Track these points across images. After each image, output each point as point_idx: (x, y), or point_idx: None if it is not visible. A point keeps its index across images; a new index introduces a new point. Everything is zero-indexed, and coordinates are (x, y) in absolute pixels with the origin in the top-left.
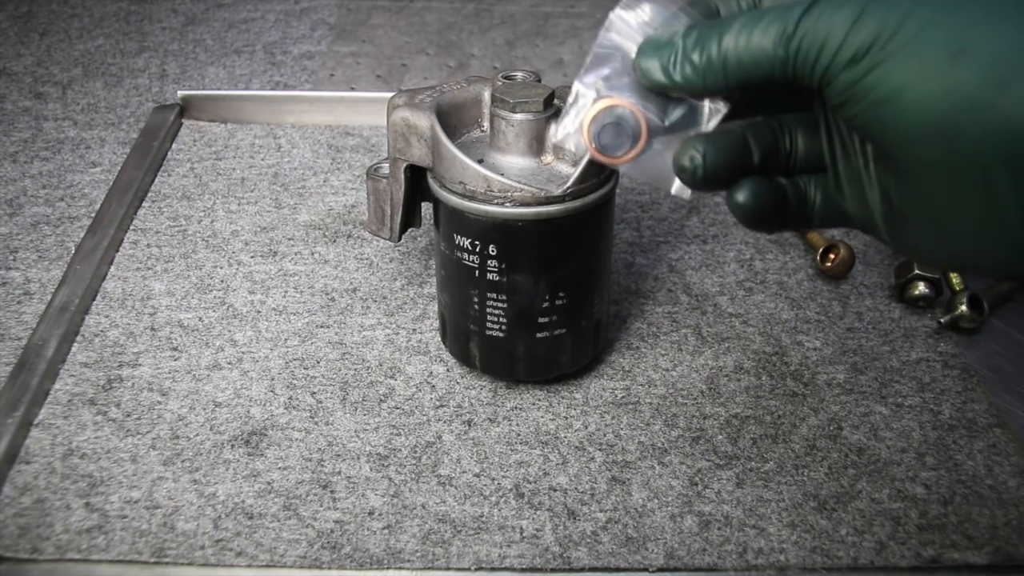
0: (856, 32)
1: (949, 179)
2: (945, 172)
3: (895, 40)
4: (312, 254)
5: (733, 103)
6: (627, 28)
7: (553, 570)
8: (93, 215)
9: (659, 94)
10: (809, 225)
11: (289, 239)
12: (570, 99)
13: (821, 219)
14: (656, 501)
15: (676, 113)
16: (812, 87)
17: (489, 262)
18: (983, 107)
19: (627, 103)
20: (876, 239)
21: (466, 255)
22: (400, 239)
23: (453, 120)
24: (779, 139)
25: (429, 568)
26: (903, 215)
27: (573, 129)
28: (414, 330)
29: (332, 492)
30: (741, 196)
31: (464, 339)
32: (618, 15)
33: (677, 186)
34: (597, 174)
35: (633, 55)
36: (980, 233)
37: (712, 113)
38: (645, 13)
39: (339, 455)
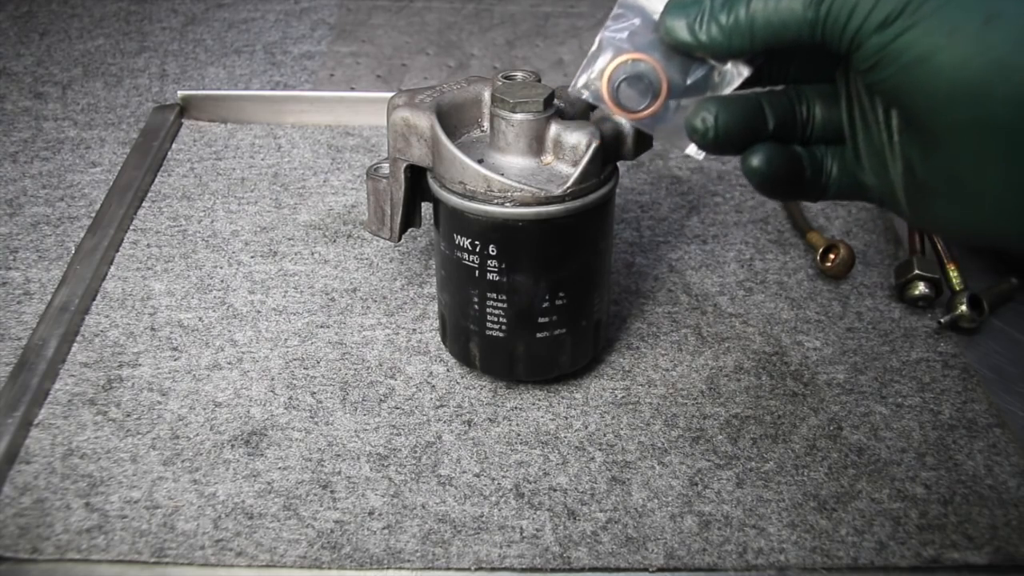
0: None
1: (978, 144)
2: (974, 136)
3: (928, 3)
4: (312, 254)
5: (756, 68)
6: None
7: (553, 570)
8: (93, 215)
9: (682, 54)
10: (824, 195)
11: (289, 239)
12: (592, 49)
13: (837, 190)
14: (656, 501)
15: (697, 74)
16: (840, 51)
17: (489, 262)
18: (1015, 70)
19: (649, 59)
20: (894, 212)
21: (466, 255)
22: (400, 239)
23: (453, 120)
24: (796, 108)
25: (429, 568)
26: (926, 186)
27: (594, 76)
28: (414, 330)
29: (332, 492)
30: (755, 160)
31: (464, 339)
32: None
33: (692, 147)
34: (597, 174)
35: (657, 15)
36: (1006, 201)
37: (734, 76)
38: None
39: (339, 455)
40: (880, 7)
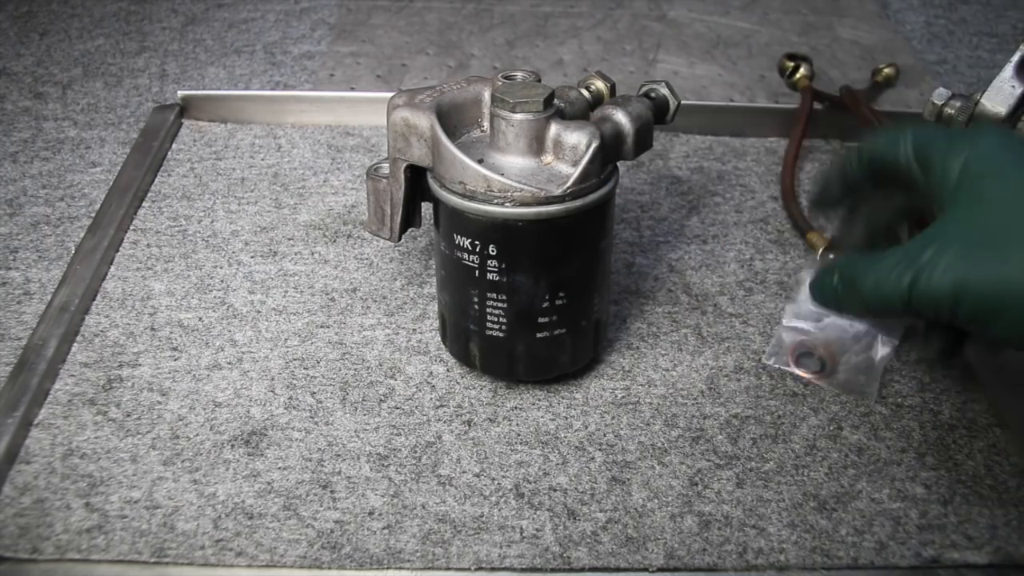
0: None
1: None
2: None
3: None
4: (312, 254)
5: (900, 339)
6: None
7: (553, 570)
8: (93, 215)
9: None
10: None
11: (289, 239)
12: (778, 332)
13: None
14: (656, 501)
15: (860, 332)
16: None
17: (489, 262)
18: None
19: (818, 344)
20: None
21: (466, 255)
22: (400, 239)
23: (453, 120)
24: None
25: (429, 568)
26: None
27: (780, 352)
28: (414, 330)
29: (332, 492)
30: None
31: (464, 339)
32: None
33: (874, 391)
34: (597, 174)
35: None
36: None
37: (884, 343)
38: None
39: (339, 455)
40: (940, 279)
